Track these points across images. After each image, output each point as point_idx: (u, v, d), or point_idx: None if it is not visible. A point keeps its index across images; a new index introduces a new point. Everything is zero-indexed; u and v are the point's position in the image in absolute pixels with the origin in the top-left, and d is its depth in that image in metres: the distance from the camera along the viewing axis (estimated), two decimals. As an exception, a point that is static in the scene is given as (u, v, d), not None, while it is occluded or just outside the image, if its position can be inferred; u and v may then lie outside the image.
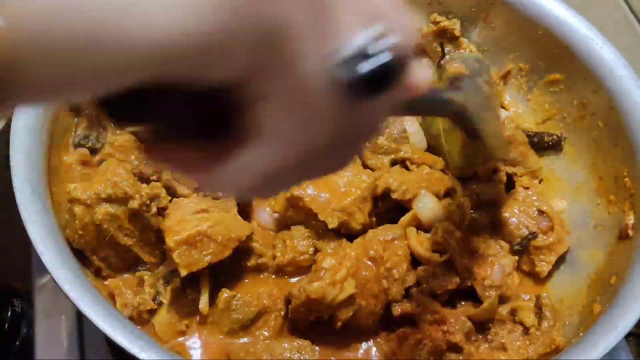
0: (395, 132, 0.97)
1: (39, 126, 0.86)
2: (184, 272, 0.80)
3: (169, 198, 0.87)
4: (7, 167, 0.80)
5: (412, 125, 0.99)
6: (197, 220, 0.82)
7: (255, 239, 0.89)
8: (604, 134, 1.01)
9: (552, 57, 1.08)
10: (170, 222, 0.83)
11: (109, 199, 0.82)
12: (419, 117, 1.01)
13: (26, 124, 0.84)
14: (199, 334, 0.83)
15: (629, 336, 1.03)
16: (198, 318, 0.84)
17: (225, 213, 0.85)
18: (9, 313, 0.97)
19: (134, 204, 0.83)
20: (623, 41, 1.21)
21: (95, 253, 0.84)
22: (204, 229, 0.80)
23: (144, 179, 0.89)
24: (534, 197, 0.99)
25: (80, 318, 0.96)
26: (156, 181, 0.89)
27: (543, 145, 1.10)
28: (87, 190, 0.82)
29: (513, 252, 0.95)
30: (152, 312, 0.85)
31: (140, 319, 0.83)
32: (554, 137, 1.10)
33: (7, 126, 0.84)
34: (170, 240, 0.80)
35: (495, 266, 0.87)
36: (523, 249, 0.95)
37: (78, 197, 0.81)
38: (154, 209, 0.85)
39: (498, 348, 0.85)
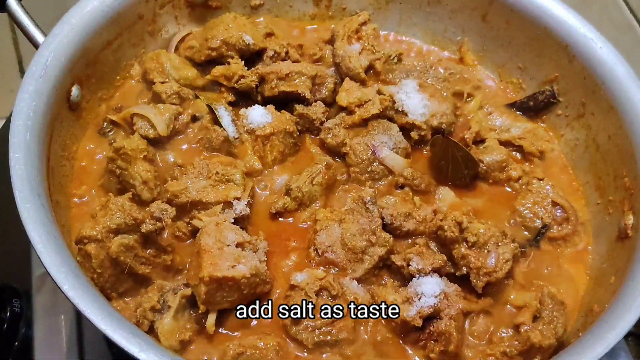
0: (375, 165, 1.00)
1: (38, 126, 0.86)
2: (202, 308, 0.80)
3: (174, 208, 0.86)
4: (7, 167, 0.80)
5: (390, 157, 1.01)
6: (234, 258, 0.82)
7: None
8: (604, 133, 1.01)
9: (552, 57, 1.08)
10: (209, 245, 0.82)
11: (119, 230, 0.83)
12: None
13: (26, 124, 0.84)
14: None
15: (629, 336, 1.03)
16: (204, 335, 0.83)
17: (260, 263, 0.85)
18: (8, 313, 0.97)
19: (147, 226, 0.83)
20: (623, 41, 1.21)
21: (115, 290, 0.84)
22: (238, 276, 0.80)
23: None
24: (548, 188, 0.98)
25: (79, 318, 0.96)
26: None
27: (539, 105, 1.10)
28: (96, 226, 0.82)
29: (530, 247, 0.95)
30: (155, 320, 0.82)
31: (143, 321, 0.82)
32: (547, 92, 1.10)
33: (7, 126, 0.84)
34: (206, 272, 0.79)
35: (492, 254, 0.88)
36: (538, 242, 0.96)
37: (88, 234, 0.81)
38: (168, 220, 0.84)
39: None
